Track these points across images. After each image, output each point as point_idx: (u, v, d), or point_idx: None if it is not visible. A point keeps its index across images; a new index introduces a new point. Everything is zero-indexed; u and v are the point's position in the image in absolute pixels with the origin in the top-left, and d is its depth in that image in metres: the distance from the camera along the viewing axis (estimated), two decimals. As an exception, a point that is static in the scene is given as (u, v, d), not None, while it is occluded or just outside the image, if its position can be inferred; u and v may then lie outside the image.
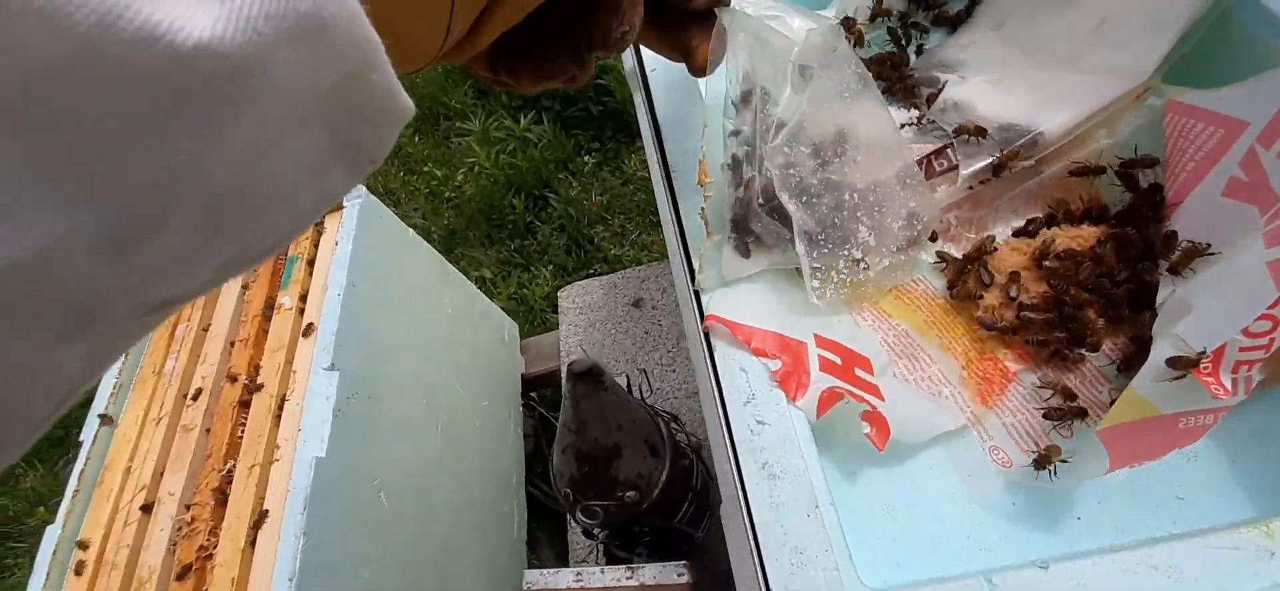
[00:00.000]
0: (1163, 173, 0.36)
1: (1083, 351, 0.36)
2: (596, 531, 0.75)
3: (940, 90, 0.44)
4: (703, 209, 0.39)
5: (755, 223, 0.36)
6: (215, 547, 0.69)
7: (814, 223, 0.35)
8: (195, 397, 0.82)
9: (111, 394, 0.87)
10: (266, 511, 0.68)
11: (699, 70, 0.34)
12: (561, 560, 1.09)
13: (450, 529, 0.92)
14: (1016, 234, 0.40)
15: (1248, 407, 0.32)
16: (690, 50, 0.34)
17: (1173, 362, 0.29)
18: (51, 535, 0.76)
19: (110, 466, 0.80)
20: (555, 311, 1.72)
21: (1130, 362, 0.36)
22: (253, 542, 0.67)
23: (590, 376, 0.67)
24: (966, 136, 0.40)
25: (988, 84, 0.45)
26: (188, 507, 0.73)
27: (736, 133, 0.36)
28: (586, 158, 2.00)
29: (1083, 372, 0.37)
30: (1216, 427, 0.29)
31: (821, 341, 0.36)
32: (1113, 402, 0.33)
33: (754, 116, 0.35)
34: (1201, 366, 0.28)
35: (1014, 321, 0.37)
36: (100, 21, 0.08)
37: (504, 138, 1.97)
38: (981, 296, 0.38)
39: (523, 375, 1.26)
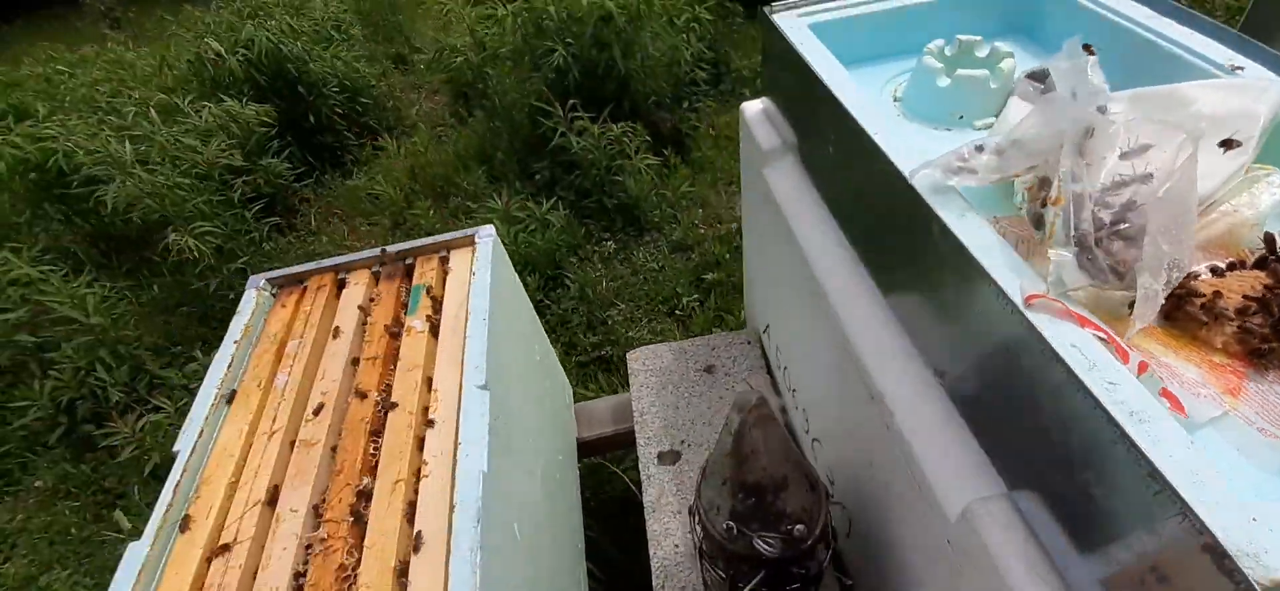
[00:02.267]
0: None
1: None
2: (741, 584, 0.74)
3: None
4: (1054, 220, 0.47)
5: (1095, 248, 0.45)
6: (356, 567, 0.62)
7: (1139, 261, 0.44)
8: (317, 412, 0.76)
9: (212, 405, 0.78)
10: (420, 533, 0.63)
11: None
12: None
13: (544, 584, 0.86)
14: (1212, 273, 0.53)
15: None
16: None
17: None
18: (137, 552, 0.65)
19: (208, 481, 0.71)
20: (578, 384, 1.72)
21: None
22: (402, 572, 0.61)
23: (761, 406, 0.72)
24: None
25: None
26: (317, 521, 0.66)
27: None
28: (597, 246, 2.10)
29: None
30: None
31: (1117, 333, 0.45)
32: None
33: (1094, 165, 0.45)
34: None
35: (1237, 335, 0.48)
36: None
37: (524, 218, 2.04)
38: (1205, 322, 0.49)
39: (578, 439, 1.24)
